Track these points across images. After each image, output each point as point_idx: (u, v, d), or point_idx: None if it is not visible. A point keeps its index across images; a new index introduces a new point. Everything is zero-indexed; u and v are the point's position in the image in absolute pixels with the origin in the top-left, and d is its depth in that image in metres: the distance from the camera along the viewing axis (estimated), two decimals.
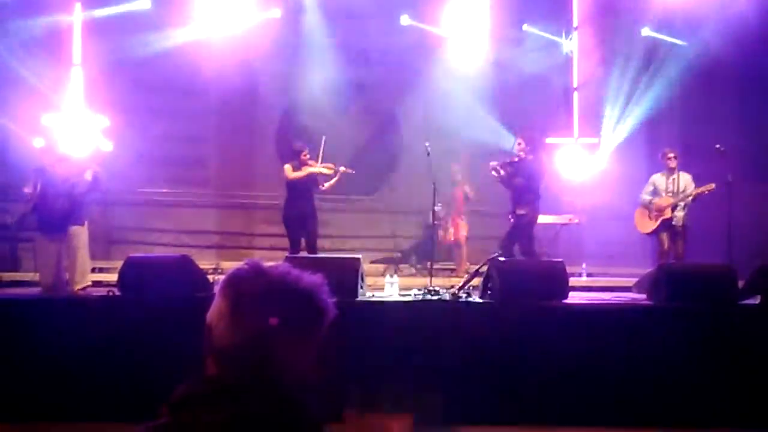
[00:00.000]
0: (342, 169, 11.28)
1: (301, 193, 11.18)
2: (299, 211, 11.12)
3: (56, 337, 7.36)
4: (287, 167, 11.20)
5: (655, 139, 14.95)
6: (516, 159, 10.75)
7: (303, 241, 11.14)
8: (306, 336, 1.87)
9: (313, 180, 11.23)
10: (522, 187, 10.55)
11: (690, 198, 11.09)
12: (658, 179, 11.48)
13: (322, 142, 11.28)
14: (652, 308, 8.33)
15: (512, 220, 10.70)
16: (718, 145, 10.94)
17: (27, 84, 12.83)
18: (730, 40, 12.96)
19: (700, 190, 10.98)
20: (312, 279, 1.90)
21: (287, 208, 11.25)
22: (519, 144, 10.78)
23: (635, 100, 15.38)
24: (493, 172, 10.77)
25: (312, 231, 11.19)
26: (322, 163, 11.24)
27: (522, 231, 10.63)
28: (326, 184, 11.30)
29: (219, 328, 1.84)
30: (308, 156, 11.25)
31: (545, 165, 11.22)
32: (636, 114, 15.32)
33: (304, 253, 10.86)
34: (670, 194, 11.26)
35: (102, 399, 7.30)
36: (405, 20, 14.86)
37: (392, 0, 14.77)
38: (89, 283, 9.45)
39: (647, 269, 10.62)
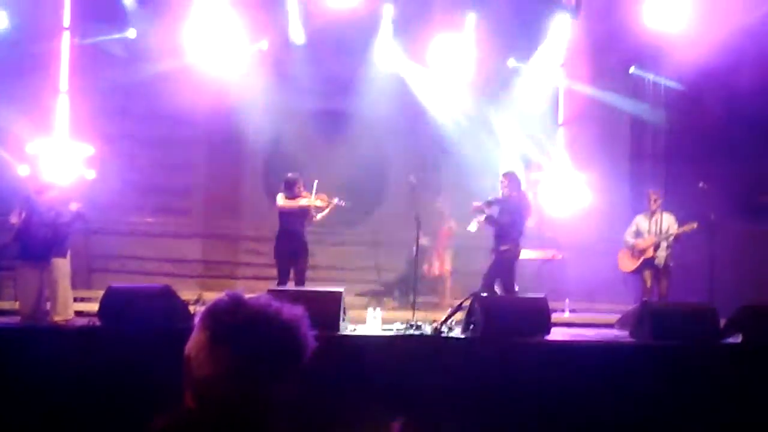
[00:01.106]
0: (335, 201, 11.26)
1: (293, 224, 11.13)
2: (290, 244, 11.08)
3: (36, 366, 7.29)
4: (280, 197, 11.16)
5: (639, 176, 15.04)
6: (499, 197, 10.81)
7: (291, 273, 11.10)
8: (285, 369, 1.86)
9: (305, 212, 11.20)
10: (507, 224, 10.61)
11: (672, 237, 11.15)
12: (641, 220, 11.55)
13: (314, 185, 11.25)
14: (634, 346, 8.36)
15: (494, 256, 10.74)
16: (701, 184, 11.01)
17: (13, 111, 12.80)
18: (717, 79, 13.07)
19: (682, 229, 11.04)
20: (292, 311, 1.89)
21: (279, 240, 11.21)
22: (502, 182, 10.85)
23: (620, 136, 15.49)
24: (476, 213, 10.82)
25: (302, 264, 11.15)
26: (315, 195, 11.21)
27: (504, 267, 10.66)
28: (318, 216, 11.28)
29: (198, 360, 1.82)
30: (302, 187, 11.23)
31: (528, 203, 11.28)
32: (620, 150, 15.41)
33: (291, 284, 10.82)
34: (653, 234, 11.31)
35: (81, 429, 7.23)
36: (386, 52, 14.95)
37: (376, 33, 14.82)
38: (72, 315, 9.37)
39: (630, 306, 10.66)
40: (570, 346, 8.29)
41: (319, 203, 11.19)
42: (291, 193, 11.15)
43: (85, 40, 13.96)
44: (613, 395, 7.50)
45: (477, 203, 10.83)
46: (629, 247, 11.51)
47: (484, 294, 9.45)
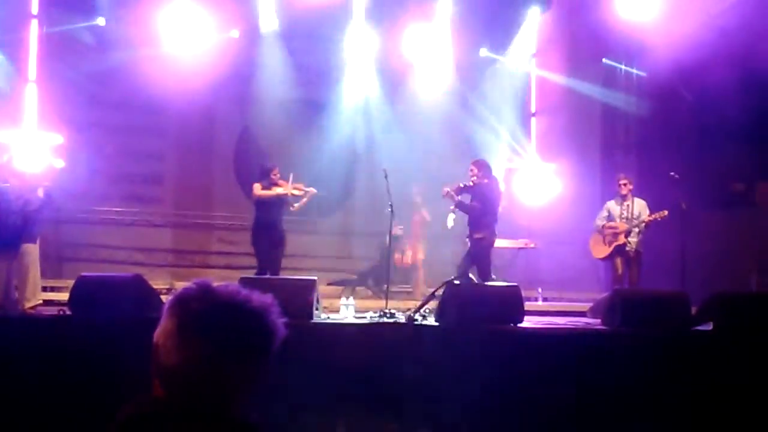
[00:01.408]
0: (311, 190, 11.25)
1: (271, 213, 11.10)
2: (269, 233, 11.06)
3: (5, 355, 7.23)
4: (257, 186, 11.11)
5: (611, 165, 15.12)
6: (470, 184, 10.79)
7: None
8: (254, 356, 1.84)
9: (282, 201, 11.16)
10: (478, 210, 10.59)
11: (643, 224, 11.19)
12: (612, 206, 11.58)
13: (290, 177, 11.20)
14: (606, 333, 8.38)
15: (469, 243, 10.74)
16: (672, 173, 11.06)
17: None
18: (688, 69, 13.13)
19: (652, 217, 11.08)
20: (261, 299, 1.87)
21: (257, 231, 11.16)
22: (472, 170, 10.82)
23: (592, 126, 15.56)
24: (447, 197, 10.82)
25: (279, 254, 11.15)
26: (292, 184, 11.17)
27: (479, 255, 10.65)
28: (296, 205, 11.25)
29: (165, 348, 1.80)
30: (278, 176, 11.19)
31: (499, 189, 11.27)
32: (592, 140, 15.48)
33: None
34: (624, 220, 11.35)
35: (51, 418, 7.17)
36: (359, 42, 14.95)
37: (349, 22, 14.78)
38: (40, 301, 9.30)
39: (602, 294, 10.70)
40: (543, 333, 8.30)
41: (295, 192, 11.16)
42: (267, 182, 11.12)
43: (53, 28, 13.82)
44: (586, 383, 7.52)
45: (447, 188, 10.81)
46: (600, 231, 11.52)
47: (457, 282, 9.43)
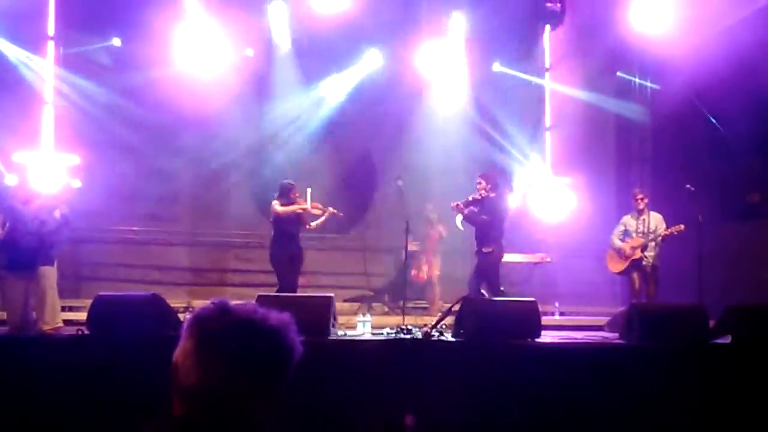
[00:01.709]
0: (330, 209, 11.29)
1: (290, 232, 11.12)
2: (288, 249, 11.08)
3: (24, 376, 7.26)
4: (275, 203, 11.14)
5: (626, 178, 15.09)
6: (478, 197, 10.77)
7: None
8: (272, 375, 1.85)
9: (300, 218, 11.19)
10: (486, 224, 10.57)
11: (660, 238, 11.15)
12: (629, 220, 11.55)
13: (308, 192, 11.24)
14: (624, 347, 8.35)
15: (478, 258, 10.71)
16: (688, 185, 11.02)
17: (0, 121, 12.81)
18: (702, 81, 13.11)
19: (669, 231, 11.03)
20: (279, 318, 1.88)
21: (276, 249, 11.17)
22: (480, 183, 10.80)
23: (606, 139, 15.54)
24: (456, 210, 10.84)
25: (297, 270, 11.17)
26: (310, 203, 11.21)
27: (488, 269, 10.62)
28: (313, 224, 11.28)
29: (184, 367, 1.81)
30: (297, 194, 11.23)
31: (507, 203, 11.25)
32: (607, 153, 15.47)
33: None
34: (641, 234, 11.31)
35: None
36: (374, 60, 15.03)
37: (365, 39, 14.83)
38: (60, 323, 9.34)
39: (619, 308, 10.67)
40: (560, 348, 8.28)
41: (315, 210, 11.21)
42: (287, 199, 11.15)
43: (70, 49, 13.93)
44: (604, 397, 7.50)
45: (455, 202, 10.82)
46: (615, 250, 11.50)
47: (474, 297, 9.43)
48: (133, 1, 13.69)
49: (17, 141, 12.65)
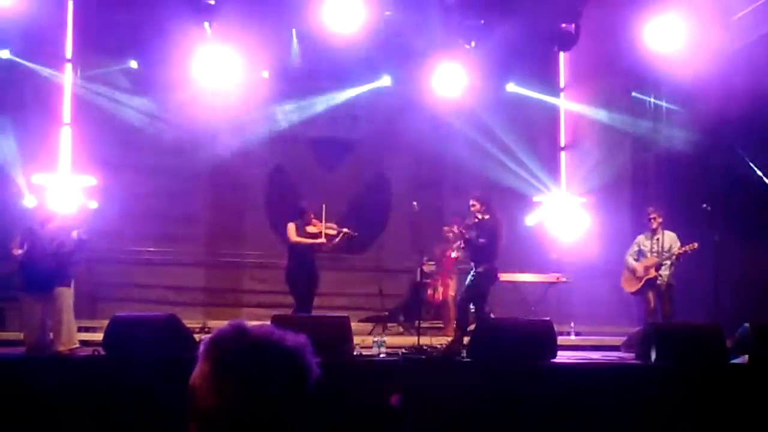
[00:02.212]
0: (345, 230, 11.33)
1: (306, 253, 11.19)
2: (304, 270, 11.15)
3: (41, 397, 7.29)
4: (291, 227, 11.22)
5: (642, 198, 15.04)
6: (475, 220, 10.73)
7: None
8: (289, 398, 1.86)
9: (316, 239, 11.23)
10: (484, 246, 10.51)
11: (674, 257, 11.10)
12: (643, 240, 11.51)
13: (323, 209, 11.30)
14: (640, 368, 8.32)
15: (473, 276, 10.60)
16: (704, 204, 11.00)
17: (17, 143, 12.92)
18: (717, 100, 13.09)
19: (682, 249, 10.98)
20: (295, 339, 1.89)
21: (294, 270, 11.26)
22: (473, 206, 10.72)
23: (622, 159, 15.51)
24: (450, 235, 10.83)
25: (313, 291, 11.22)
26: (325, 223, 11.26)
27: (480, 287, 10.51)
28: (330, 244, 11.31)
29: (201, 390, 1.82)
30: (313, 215, 11.29)
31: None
32: (622, 173, 15.44)
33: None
34: (655, 254, 11.27)
35: None
36: (388, 81, 15.10)
37: (379, 60, 14.89)
38: (76, 344, 9.38)
39: (635, 328, 10.63)
40: (576, 368, 8.27)
41: (330, 231, 11.26)
42: (302, 221, 11.23)
43: (87, 72, 14.04)
44: (620, 418, 7.47)
45: (454, 228, 10.80)
46: (629, 270, 11.47)
47: (490, 318, 9.44)
48: (150, 24, 13.78)
49: (35, 162, 12.77)
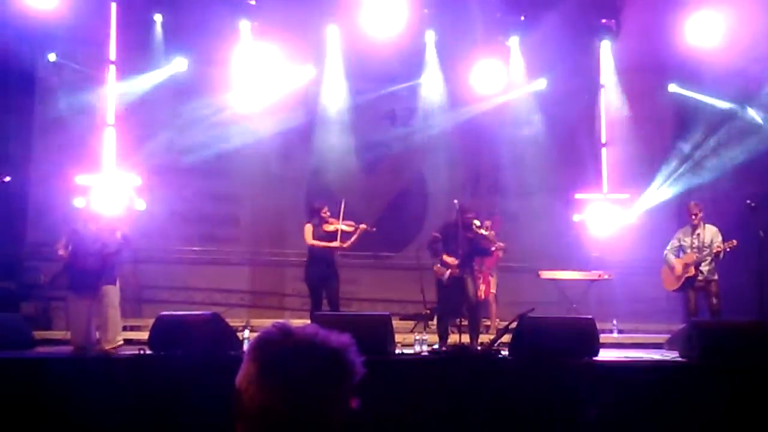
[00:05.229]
0: (362, 226, 11.29)
1: (323, 254, 11.21)
2: (320, 272, 11.16)
3: (87, 396, 7.37)
4: (307, 228, 11.24)
5: (685, 193, 14.90)
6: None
7: (324, 298, 11.17)
8: (335, 397, 1.88)
9: (333, 236, 11.23)
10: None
11: (713, 254, 10.96)
12: (683, 235, 11.39)
13: (342, 205, 11.31)
14: (684, 366, 8.25)
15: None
16: (748, 201, 10.87)
17: (64, 144, 13.13)
18: (757, 93, 12.96)
19: (722, 247, 10.86)
20: (340, 339, 1.91)
21: (309, 266, 11.31)
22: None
23: (664, 154, 15.39)
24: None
25: (334, 289, 11.20)
26: (343, 221, 11.25)
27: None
28: (346, 243, 11.30)
29: (248, 392, 1.84)
30: (329, 213, 11.30)
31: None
32: (666, 168, 15.31)
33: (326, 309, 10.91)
34: (695, 250, 11.13)
35: None
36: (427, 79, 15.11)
37: (419, 61, 14.92)
38: (121, 342, 9.52)
39: (678, 325, 10.54)
40: (619, 366, 8.22)
41: (345, 228, 11.22)
42: (318, 220, 11.24)
43: (130, 74, 14.19)
44: (664, 416, 7.42)
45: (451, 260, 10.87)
46: (669, 267, 11.36)
47: (531, 316, 9.41)
48: (193, 25, 13.93)
49: (81, 164, 12.94)
